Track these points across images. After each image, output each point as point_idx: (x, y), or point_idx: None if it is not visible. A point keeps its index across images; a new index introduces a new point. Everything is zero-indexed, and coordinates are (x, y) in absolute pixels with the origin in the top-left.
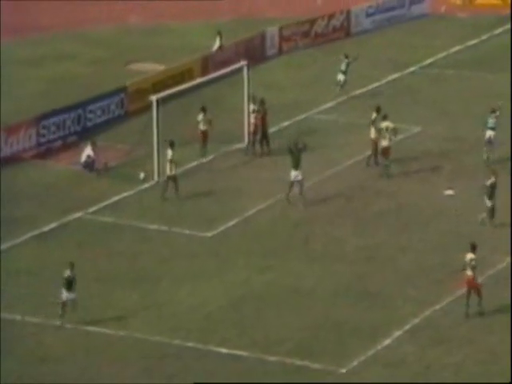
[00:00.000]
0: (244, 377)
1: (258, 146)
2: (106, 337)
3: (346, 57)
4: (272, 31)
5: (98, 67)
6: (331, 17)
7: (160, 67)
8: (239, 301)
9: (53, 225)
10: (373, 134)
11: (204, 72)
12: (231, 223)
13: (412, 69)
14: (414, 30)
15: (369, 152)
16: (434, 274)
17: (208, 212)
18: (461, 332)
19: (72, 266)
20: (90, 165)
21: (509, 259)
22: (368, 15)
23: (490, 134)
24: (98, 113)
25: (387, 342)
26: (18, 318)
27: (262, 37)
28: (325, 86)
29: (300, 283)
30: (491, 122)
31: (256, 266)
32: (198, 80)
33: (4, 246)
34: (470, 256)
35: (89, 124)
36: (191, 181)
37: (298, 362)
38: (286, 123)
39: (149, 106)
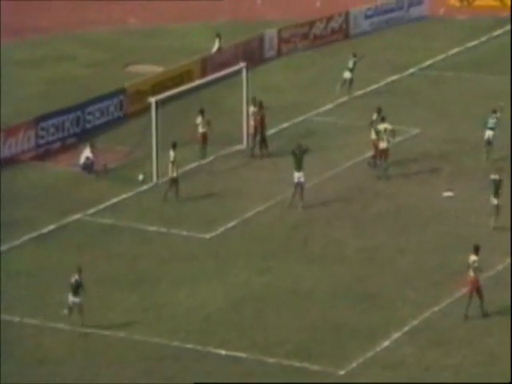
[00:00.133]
0: (243, 378)
1: (257, 148)
2: (105, 338)
3: (354, 55)
4: (271, 33)
5: (97, 69)
6: (330, 19)
7: (159, 69)
8: (238, 302)
9: (52, 227)
10: (373, 135)
11: (203, 74)
12: (230, 225)
13: (411, 71)
14: (413, 31)
15: (367, 154)
16: (433, 275)
17: (207, 213)
18: (460, 334)
19: (80, 270)
20: (89, 166)
21: (508, 260)
22: (367, 17)
23: (489, 134)
24: (97, 114)
25: (386, 343)
26: (17, 319)
27: (261, 39)
28: (324, 87)
29: (299, 285)
30: (491, 122)
31: (255, 267)
32: (197, 82)
33: (3, 248)
34: (472, 258)
35: (88, 126)
36: (190, 182)
37: (297, 364)
38: (284, 125)
39: (148, 108)
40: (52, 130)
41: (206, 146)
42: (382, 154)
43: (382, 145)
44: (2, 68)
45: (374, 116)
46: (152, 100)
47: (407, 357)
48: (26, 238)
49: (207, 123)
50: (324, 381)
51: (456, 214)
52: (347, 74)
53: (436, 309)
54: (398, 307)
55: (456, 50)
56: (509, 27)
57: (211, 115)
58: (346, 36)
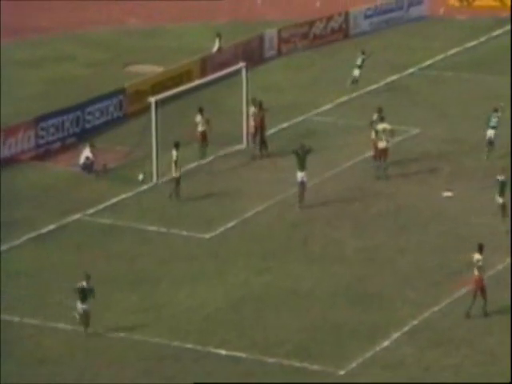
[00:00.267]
0: (243, 378)
1: (257, 149)
2: (105, 338)
3: (363, 53)
4: (271, 33)
5: (97, 69)
6: (330, 19)
7: (159, 69)
8: (238, 302)
9: (51, 226)
10: (373, 135)
11: (203, 74)
12: (230, 225)
13: (410, 71)
14: (413, 31)
15: (367, 154)
16: (432, 275)
17: (207, 213)
18: (460, 333)
19: (88, 277)
20: (88, 166)
21: (509, 260)
22: (366, 17)
23: (491, 132)
24: (97, 114)
25: (386, 343)
26: (17, 319)
27: (261, 38)
28: (324, 87)
29: (299, 285)
30: (493, 121)
31: (255, 267)
32: (197, 82)
33: (3, 248)
34: (477, 256)
35: (87, 126)
36: (190, 182)
37: (297, 364)
38: (284, 125)
39: (147, 108)
40: (52, 129)
41: (206, 144)
42: (382, 153)
43: (381, 144)
44: (2, 68)
45: (375, 116)
46: (152, 100)
47: (407, 357)
48: (25, 237)
49: (206, 121)
50: (324, 381)
51: (456, 214)
52: (356, 72)
53: (436, 309)
54: (398, 307)
55: (456, 50)
56: (509, 27)
57: (211, 115)
58: (346, 36)
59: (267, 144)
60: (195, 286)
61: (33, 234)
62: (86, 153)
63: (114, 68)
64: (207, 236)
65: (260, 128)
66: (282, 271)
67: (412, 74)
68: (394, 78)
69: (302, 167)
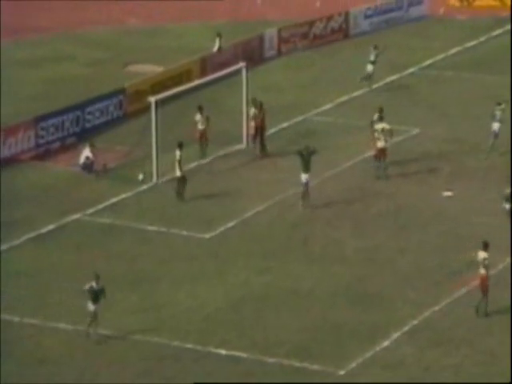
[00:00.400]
0: (243, 378)
1: (257, 149)
2: (105, 338)
3: (376, 47)
4: (271, 33)
5: (97, 68)
6: (330, 18)
7: (159, 68)
8: (238, 302)
9: (51, 226)
10: (373, 134)
11: (202, 73)
12: (230, 224)
13: (411, 70)
14: (413, 31)
15: (367, 153)
16: (432, 275)
17: (207, 213)
18: (460, 333)
19: (98, 277)
20: (88, 166)
21: (509, 260)
22: (366, 17)
23: (496, 126)
24: (97, 114)
25: (386, 343)
26: (17, 319)
27: (261, 38)
28: (324, 87)
29: (299, 285)
30: (498, 114)
31: (255, 267)
32: (197, 81)
33: (2, 248)
34: (482, 255)
35: (87, 125)
36: (190, 182)
37: (297, 364)
38: (284, 125)
39: (147, 108)
40: (52, 129)
41: (206, 144)
42: (381, 153)
43: (380, 144)
44: (2, 68)
45: (376, 116)
46: (152, 100)
47: (407, 357)
48: (25, 237)
49: (206, 120)
50: (324, 381)
51: (456, 214)
52: (370, 68)
53: (436, 308)
54: (398, 307)
55: (456, 49)
56: (509, 27)
57: (211, 115)
58: (346, 36)
59: (266, 147)
60: (195, 285)
61: (32, 234)
62: (86, 153)
63: (114, 68)
64: (207, 236)
65: (260, 129)
66: (282, 271)
67: (412, 73)
68: (394, 77)
69: (307, 169)
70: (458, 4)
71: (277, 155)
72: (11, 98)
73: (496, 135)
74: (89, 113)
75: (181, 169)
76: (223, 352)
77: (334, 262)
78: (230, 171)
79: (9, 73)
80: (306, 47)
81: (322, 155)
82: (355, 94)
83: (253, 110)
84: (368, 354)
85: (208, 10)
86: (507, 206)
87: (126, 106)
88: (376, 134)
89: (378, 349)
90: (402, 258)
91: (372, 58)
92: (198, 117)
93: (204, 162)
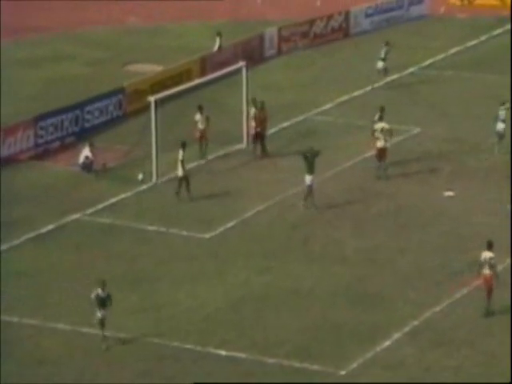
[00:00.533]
0: (243, 379)
1: (257, 149)
2: (105, 338)
3: (387, 44)
4: (271, 32)
5: (97, 68)
6: (330, 17)
7: (158, 68)
8: (238, 302)
9: (50, 226)
10: (373, 134)
11: (202, 73)
12: (230, 224)
13: (411, 70)
14: (413, 30)
15: (368, 153)
16: (433, 275)
17: (207, 213)
18: (461, 334)
19: (104, 284)
20: (88, 166)
21: (509, 260)
22: (367, 16)
23: (500, 126)
24: (96, 114)
25: (386, 343)
26: (16, 319)
27: (261, 38)
28: (324, 86)
29: (299, 285)
30: (502, 114)
31: (255, 267)
32: (197, 81)
33: (2, 248)
34: (488, 254)
35: (87, 125)
36: (190, 182)
37: (297, 364)
38: (284, 124)
39: (147, 107)
40: (51, 129)
41: (206, 143)
42: (381, 153)
43: (380, 144)
44: (2, 68)
45: (377, 115)
46: (151, 99)
47: (408, 357)
48: (24, 237)
49: (206, 119)
50: (324, 381)
51: (457, 214)
52: (380, 64)
53: (437, 309)
54: (399, 307)
55: (456, 49)
56: (509, 26)
57: (211, 114)
58: (346, 35)
59: (266, 149)
60: (195, 286)
61: (32, 234)
62: (86, 152)
63: (114, 67)
64: (207, 236)
65: (261, 129)
66: (282, 271)
67: (412, 73)
68: (394, 77)
69: (311, 170)
70: (458, 3)
71: (277, 155)
72: (10, 97)
73: (501, 135)
74: (88, 112)
75: (184, 169)
76: (223, 352)
77: (334, 262)
78: (230, 171)
79: (8, 72)
80: (307, 46)
81: (322, 155)
82: (356, 93)
83: (253, 110)
84: (368, 355)
85: (208, 10)
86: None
87: (126, 105)
88: (376, 134)
89: (378, 349)
90: (402, 258)
91: (382, 54)
92: (198, 117)
93: (204, 161)
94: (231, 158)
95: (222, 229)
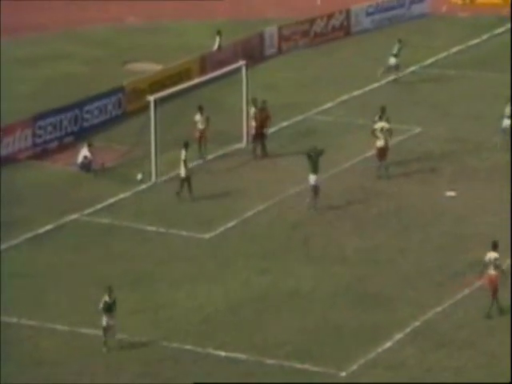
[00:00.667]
0: (243, 380)
1: (257, 149)
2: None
3: (400, 41)
4: (271, 31)
5: (96, 67)
6: (331, 16)
7: (158, 67)
8: (238, 303)
9: (49, 227)
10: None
11: (202, 72)
12: (230, 225)
13: (412, 69)
14: (415, 29)
15: (368, 153)
16: (434, 276)
17: (206, 213)
18: (462, 335)
19: (111, 290)
20: (86, 166)
21: (509, 261)
22: (368, 14)
23: (507, 122)
24: (95, 113)
25: (388, 344)
26: (15, 320)
27: (261, 36)
28: (324, 86)
29: (299, 285)
30: (508, 110)
31: (255, 267)
32: (196, 80)
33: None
34: (493, 255)
35: (86, 124)
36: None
37: (298, 366)
38: (284, 123)
39: (146, 106)
40: (49, 128)
41: (206, 144)
42: (380, 152)
43: (379, 143)
44: (0, 66)
45: (378, 115)
46: (151, 98)
47: (409, 358)
48: (22, 238)
49: (206, 120)
50: (325, 382)
51: (458, 214)
52: (392, 60)
53: (438, 310)
54: (400, 308)
55: (458, 48)
56: (510, 25)
57: (211, 114)
58: (347, 34)
59: (266, 149)
60: (194, 286)
61: (30, 234)
62: (84, 152)
63: (113, 66)
64: (207, 236)
65: (261, 129)
66: (282, 272)
67: (414, 72)
68: (395, 76)
69: (315, 170)
70: (460, 2)
71: (277, 155)
72: (8, 96)
73: (505, 131)
74: (87, 111)
75: (186, 169)
76: (223, 353)
77: (334, 263)
78: (230, 171)
79: (7, 71)
80: (307, 45)
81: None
82: (356, 92)
83: (253, 110)
84: (369, 356)
85: (208, 8)
86: None
87: (125, 104)
88: (375, 133)
89: (379, 350)
90: (403, 259)
91: (395, 51)
92: (198, 117)
93: (203, 161)
94: (231, 157)
95: (221, 229)
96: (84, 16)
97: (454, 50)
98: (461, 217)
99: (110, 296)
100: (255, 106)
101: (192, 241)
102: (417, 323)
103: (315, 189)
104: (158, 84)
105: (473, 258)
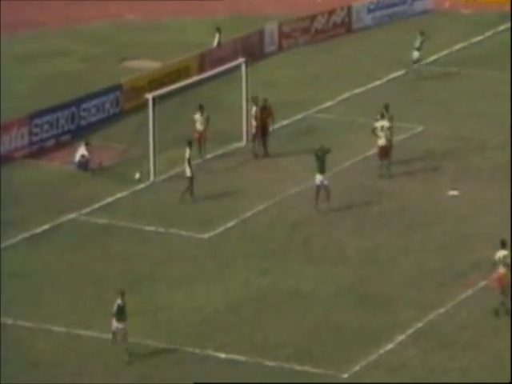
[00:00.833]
0: (243, 382)
1: (258, 149)
2: (101, 341)
3: (422, 34)
4: (271, 27)
5: (93, 64)
6: (332, 13)
7: (156, 64)
8: (238, 304)
9: (46, 226)
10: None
11: (201, 69)
12: (230, 224)
13: (415, 66)
14: (417, 26)
15: (369, 152)
16: (437, 276)
17: (206, 213)
18: (465, 336)
19: (123, 294)
20: (84, 164)
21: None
22: (369, 11)
23: None
24: (93, 111)
25: (390, 346)
26: (11, 321)
27: (261, 33)
28: (325, 83)
29: (300, 286)
30: None
31: (255, 268)
32: (195, 78)
33: None
34: (502, 253)
35: (83, 122)
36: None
37: (298, 367)
38: (285, 122)
39: (144, 104)
40: (46, 126)
41: (205, 144)
42: (382, 151)
43: (381, 142)
44: None
45: (380, 113)
46: (149, 96)
47: (411, 360)
48: (19, 237)
49: (206, 120)
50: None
51: (461, 214)
52: (416, 54)
53: (441, 310)
54: (402, 309)
55: (461, 45)
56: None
57: (210, 112)
58: (349, 30)
59: (268, 148)
60: (194, 287)
61: (27, 234)
62: (82, 150)
63: (111, 63)
64: (206, 236)
65: (262, 128)
66: (282, 272)
67: (416, 69)
68: (397, 73)
69: (322, 170)
70: None
71: (277, 153)
72: (4, 94)
73: None
74: (84, 109)
75: (190, 168)
76: (222, 355)
77: (335, 263)
78: (230, 170)
79: (3, 68)
80: (308, 42)
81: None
82: (358, 90)
83: (254, 109)
84: (371, 357)
85: (207, 5)
86: None
87: (123, 102)
88: (376, 132)
89: (381, 351)
90: (405, 259)
91: (417, 44)
92: (198, 116)
93: (202, 160)
94: (230, 156)
95: (221, 229)
96: (82, 12)
97: (457, 47)
98: (464, 216)
99: (122, 300)
100: (256, 105)
101: (191, 241)
102: (419, 324)
103: (325, 189)
104: (156, 82)
105: (476, 258)
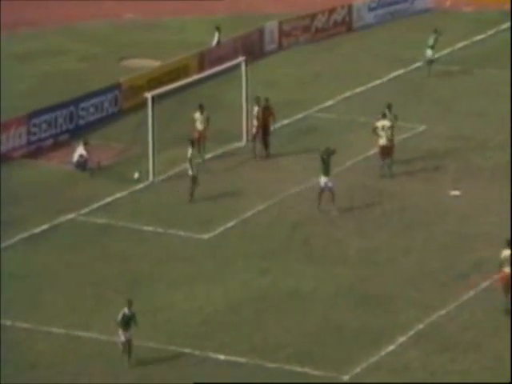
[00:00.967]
0: (243, 383)
1: (258, 149)
2: (100, 342)
3: (436, 31)
4: (271, 26)
5: (92, 63)
6: (332, 11)
7: (155, 63)
8: (237, 304)
9: (44, 226)
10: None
11: (200, 68)
12: (229, 225)
13: (416, 65)
14: (418, 24)
15: (370, 151)
16: (438, 277)
17: (205, 213)
18: (467, 337)
19: (130, 303)
20: (82, 164)
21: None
22: (370, 9)
23: None
24: (91, 110)
25: (391, 347)
26: (9, 323)
27: (261, 32)
28: (326, 82)
29: (300, 286)
30: None
31: (255, 268)
32: (195, 76)
33: None
34: (508, 252)
35: (81, 122)
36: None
37: (299, 369)
38: (285, 121)
39: (144, 104)
40: (44, 126)
41: (205, 144)
42: (383, 151)
43: (382, 141)
44: None
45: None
46: (148, 95)
47: (413, 361)
48: (17, 238)
49: (206, 120)
50: None
51: (463, 213)
52: (429, 52)
53: (442, 312)
54: (403, 310)
55: (462, 43)
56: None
57: (209, 111)
58: (350, 29)
59: (269, 148)
60: (193, 287)
61: (25, 234)
62: (80, 150)
63: (109, 62)
64: (206, 236)
65: (263, 128)
66: (282, 272)
67: (417, 68)
68: (398, 72)
69: (327, 172)
70: None
71: (277, 153)
72: (2, 93)
73: None
74: (83, 109)
75: (192, 167)
76: (222, 356)
77: (336, 263)
78: (229, 170)
79: (3, 67)
80: (308, 41)
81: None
82: (359, 89)
83: (256, 109)
84: (372, 359)
85: (207, 4)
86: None
87: (122, 101)
88: (377, 131)
89: (382, 353)
90: (406, 259)
91: (431, 42)
92: (198, 116)
93: (202, 160)
94: (230, 156)
95: (220, 229)
96: (81, 11)
97: (459, 45)
98: (465, 216)
99: (129, 309)
100: (258, 105)
101: (191, 241)
102: (420, 325)
103: (329, 190)
104: (155, 81)
105: (477, 258)
